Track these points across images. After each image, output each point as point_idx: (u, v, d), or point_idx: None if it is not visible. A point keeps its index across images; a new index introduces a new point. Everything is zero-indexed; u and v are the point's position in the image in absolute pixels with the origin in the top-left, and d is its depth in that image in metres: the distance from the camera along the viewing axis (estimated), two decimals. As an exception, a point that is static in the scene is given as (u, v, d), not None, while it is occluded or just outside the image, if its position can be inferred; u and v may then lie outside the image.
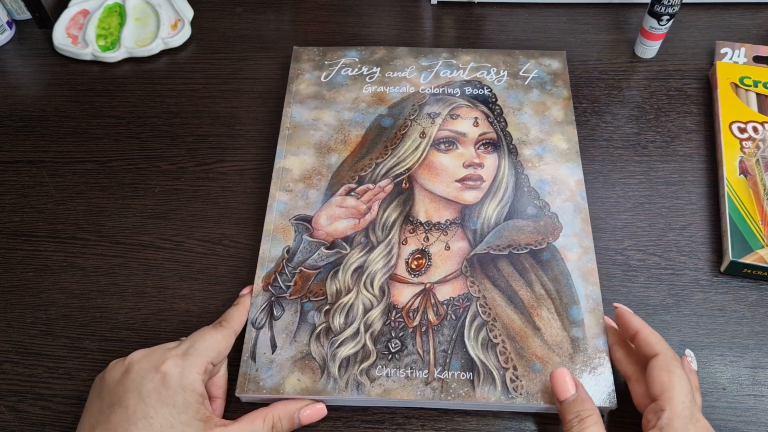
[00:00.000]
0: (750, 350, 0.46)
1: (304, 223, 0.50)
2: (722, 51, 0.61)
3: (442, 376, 0.43)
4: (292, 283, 0.48)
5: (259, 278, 0.48)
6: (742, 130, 0.55)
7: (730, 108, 0.56)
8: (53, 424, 0.45)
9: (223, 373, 0.44)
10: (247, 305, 0.47)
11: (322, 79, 0.59)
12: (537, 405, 0.42)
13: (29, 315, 0.50)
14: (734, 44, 0.61)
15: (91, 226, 0.55)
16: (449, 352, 0.44)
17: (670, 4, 0.58)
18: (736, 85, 0.58)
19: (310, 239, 0.49)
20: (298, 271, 0.48)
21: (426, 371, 0.43)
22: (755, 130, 0.55)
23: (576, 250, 0.48)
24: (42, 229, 0.55)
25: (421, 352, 0.44)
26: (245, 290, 0.48)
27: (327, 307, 0.46)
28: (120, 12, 0.69)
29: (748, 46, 0.61)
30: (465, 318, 0.45)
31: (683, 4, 0.66)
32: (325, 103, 0.58)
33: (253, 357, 0.44)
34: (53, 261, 0.53)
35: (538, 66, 0.59)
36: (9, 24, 0.69)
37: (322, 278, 0.48)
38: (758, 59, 0.61)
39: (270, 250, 0.49)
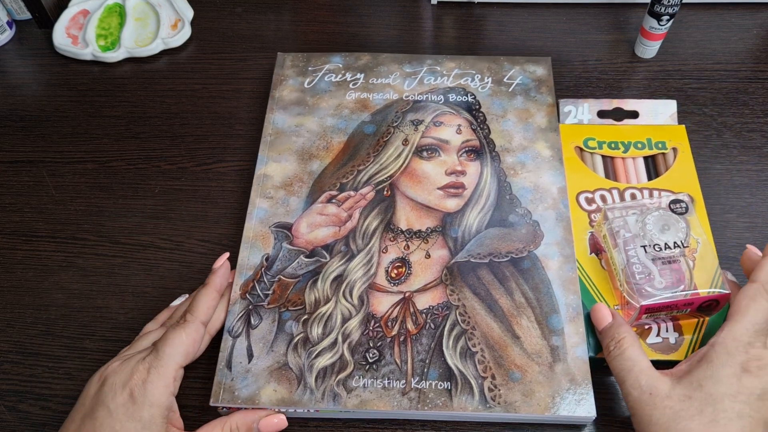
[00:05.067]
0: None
1: (284, 230, 0.50)
2: (566, 109, 0.56)
3: (419, 386, 0.43)
4: (270, 292, 0.47)
5: (237, 286, 0.47)
6: (590, 201, 0.51)
7: (576, 176, 0.52)
8: (53, 424, 0.45)
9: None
10: (216, 285, 0.45)
11: (306, 85, 0.59)
12: (515, 415, 0.42)
13: (29, 315, 0.50)
14: (577, 101, 0.56)
15: (91, 226, 0.55)
16: (427, 361, 0.43)
17: (670, 4, 0.58)
18: (581, 149, 0.54)
19: (290, 247, 0.49)
20: (276, 279, 0.48)
21: (403, 381, 0.43)
22: (603, 198, 0.51)
23: (557, 259, 0.47)
24: (42, 229, 0.55)
25: (398, 362, 0.44)
26: (218, 261, 0.47)
27: (305, 317, 0.46)
28: (120, 12, 0.69)
29: (592, 101, 0.57)
30: (444, 327, 0.45)
31: (683, 4, 0.66)
32: (308, 110, 0.57)
33: (229, 366, 0.44)
34: (53, 261, 0.53)
35: (523, 72, 0.59)
36: (9, 24, 0.69)
37: (301, 287, 0.47)
38: (602, 114, 0.56)
39: (249, 258, 0.49)
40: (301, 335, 0.45)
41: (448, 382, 0.43)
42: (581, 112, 0.56)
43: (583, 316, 0.45)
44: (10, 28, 0.69)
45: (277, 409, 0.43)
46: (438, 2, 0.69)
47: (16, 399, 0.46)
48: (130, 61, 0.66)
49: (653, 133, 0.55)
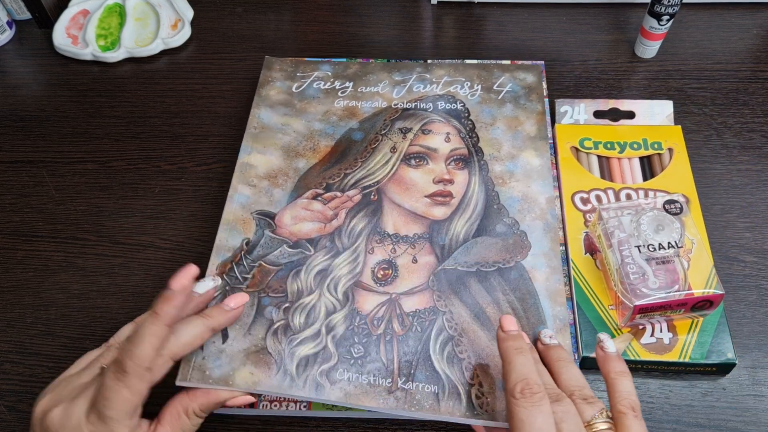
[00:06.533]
0: (749, 350, 0.46)
1: (267, 218, 0.49)
2: (562, 110, 0.56)
3: (406, 387, 0.41)
4: (249, 276, 0.46)
5: (214, 266, 0.46)
6: (585, 201, 0.51)
7: (572, 176, 0.52)
8: (53, 424, 0.45)
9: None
10: (168, 316, 0.36)
11: (294, 90, 0.58)
12: (503, 423, 0.40)
13: (29, 315, 0.50)
14: (573, 101, 0.56)
15: (91, 226, 0.55)
16: (414, 363, 0.42)
17: (670, 4, 0.58)
18: (577, 149, 0.54)
19: (273, 235, 0.48)
20: (257, 264, 0.46)
21: (390, 380, 0.42)
22: (598, 199, 0.51)
23: (544, 270, 0.46)
24: (42, 229, 0.55)
25: (385, 360, 0.42)
26: (178, 280, 0.37)
27: (287, 305, 0.44)
28: (120, 12, 0.69)
29: (588, 101, 0.56)
30: (431, 331, 0.44)
31: (683, 4, 0.66)
32: (295, 112, 0.56)
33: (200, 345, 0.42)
34: (53, 261, 0.53)
35: (513, 80, 0.58)
36: (9, 24, 0.69)
37: (283, 276, 0.46)
38: (599, 114, 0.57)
39: (228, 240, 0.47)
40: (282, 322, 0.44)
41: (435, 386, 0.41)
42: (577, 112, 0.56)
43: (570, 327, 0.44)
44: (10, 28, 0.69)
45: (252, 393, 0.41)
46: (438, 2, 0.69)
47: (16, 399, 0.46)
48: (130, 61, 0.66)
49: (649, 134, 0.55)
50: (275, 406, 0.43)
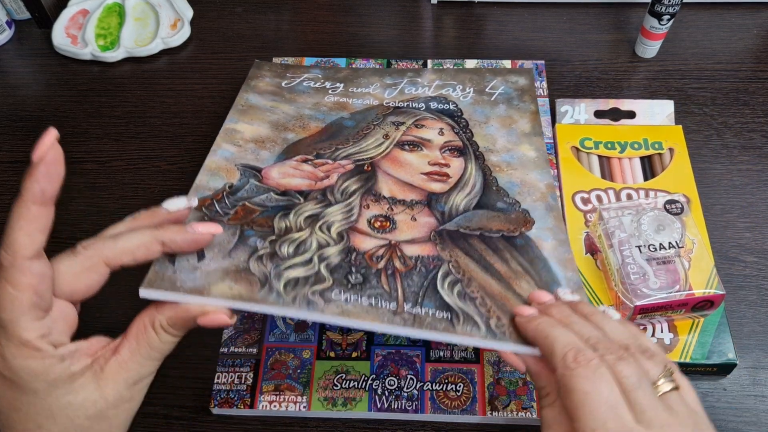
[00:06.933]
0: (750, 350, 0.46)
1: (253, 170, 0.45)
2: (562, 109, 0.56)
3: (413, 311, 0.37)
4: (231, 212, 0.41)
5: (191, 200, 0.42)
6: (586, 201, 0.51)
7: (572, 176, 0.52)
8: (53, 425, 0.45)
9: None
10: (34, 193, 0.32)
11: (283, 85, 0.57)
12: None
13: (29, 315, 0.50)
14: (573, 100, 0.57)
15: (91, 226, 0.54)
16: (421, 294, 0.38)
17: (670, 3, 0.58)
18: (577, 149, 0.54)
19: (259, 184, 0.44)
20: (240, 204, 0.42)
21: (395, 303, 0.37)
22: (599, 199, 0.51)
23: (551, 242, 0.43)
24: (42, 230, 0.55)
25: (387, 288, 0.38)
26: (41, 146, 0.32)
27: (273, 237, 0.40)
28: (119, 12, 0.69)
29: (588, 101, 0.57)
30: (437, 272, 0.40)
31: (683, 4, 0.66)
32: (285, 100, 0.55)
33: (172, 260, 0.36)
34: (53, 261, 0.53)
35: (505, 83, 0.57)
36: (8, 24, 0.69)
37: (269, 215, 0.42)
38: (599, 114, 0.57)
39: (209, 182, 0.44)
40: (268, 250, 0.39)
41: (448, 313, 0.37)
42: (578, 112, 0.56)
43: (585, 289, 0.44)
44: (10, 27, 0.69)
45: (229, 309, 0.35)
46: (438, 2, 0.69)
47: (16, 399, 0.46)
48: (129, 60, 0.66)
49: (650, 134, 0.55)
50: (275, 406, 0.44)
